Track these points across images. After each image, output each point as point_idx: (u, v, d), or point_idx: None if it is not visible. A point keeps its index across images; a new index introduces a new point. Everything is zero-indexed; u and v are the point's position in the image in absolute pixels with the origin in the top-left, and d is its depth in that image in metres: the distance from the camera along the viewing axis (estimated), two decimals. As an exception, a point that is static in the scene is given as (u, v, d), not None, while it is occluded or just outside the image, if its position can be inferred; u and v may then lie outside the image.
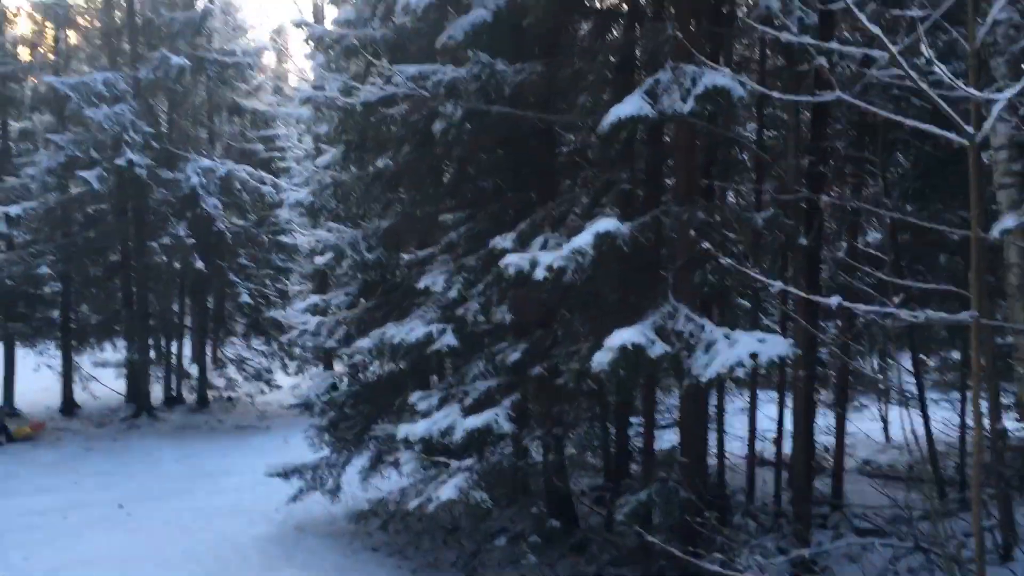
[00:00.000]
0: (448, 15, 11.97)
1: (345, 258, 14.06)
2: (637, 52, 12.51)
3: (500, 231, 11.04)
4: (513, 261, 9.32)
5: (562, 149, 13.58)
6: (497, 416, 9.98)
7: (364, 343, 12.19)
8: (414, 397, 11.22)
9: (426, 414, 10.66)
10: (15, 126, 26.85)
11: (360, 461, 14.33)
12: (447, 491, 9.72)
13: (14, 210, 22.89)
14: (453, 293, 11.48)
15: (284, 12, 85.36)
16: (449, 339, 11.16)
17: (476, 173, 13.87)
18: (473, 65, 10.72)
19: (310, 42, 13.84)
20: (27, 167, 24.77)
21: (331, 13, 25.26)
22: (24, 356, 26.83)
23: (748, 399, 13.68)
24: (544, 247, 9.64)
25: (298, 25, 14.18)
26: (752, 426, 13.28)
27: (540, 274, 9.11)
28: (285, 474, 14.53)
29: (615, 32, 13.33)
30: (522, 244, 10.19)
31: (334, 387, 15.24)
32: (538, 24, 11.42)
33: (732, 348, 8.08)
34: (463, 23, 10.81)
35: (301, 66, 44.18)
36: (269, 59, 36.79)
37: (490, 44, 11.05)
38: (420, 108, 11.70)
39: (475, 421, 10.01)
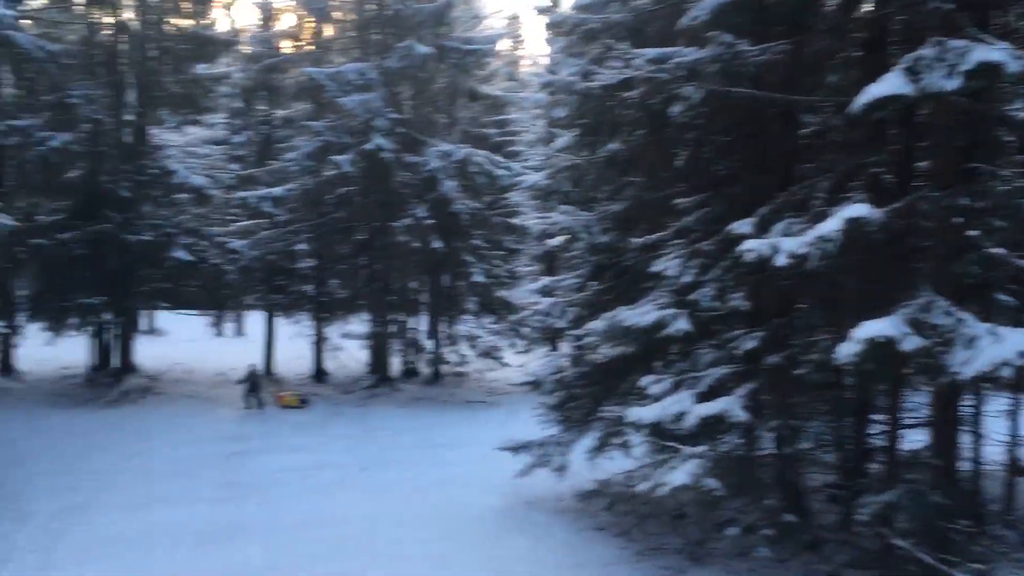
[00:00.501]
0: (690, -4, 11.77)
1: (578, 240, 14.27)
2: (890, 28, 11.75)
3: (736, 216, 10.78)
4: (753, 246, 9.09)
5: (802, 131, 13.01)
6: (732, 404, 9.80)
7: (596, 325, 12.33)
8: (645, 381, 11.22)
9: (657, 398, 10.64)
10: (279, 114, 29.27)
11: (587, 441, 14.50)
12: (679, 476, 9.67)
13: (277, 191, 25.05)
14: (687, 278, 11.35)
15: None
16: (682, 324, 11.06)
17: (711, 157, 13.59)
18: (715, 46, 10.50)
19: (551, 28, 14.08)
20: (288, 152, 26.99)
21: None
22: (281, 326, 29.35)
23: (1009, 402, 12.57)
24: (786, 233, 9.30)
25: (540, 11, 14.48)
26: (1014, 431, 12.21)
27: (781, 261, 8.84)
28: (514, 449, 15.00)
29: (865, 7, 12.57)
30: (762, 229, 9.89)
31: (561, 368, 15.56)
32: (784, 2, 11.01)
33: (998, 345, 7.47)
34: (707, 3, 10.60)
35: (535, 52, 45.03)
36: (504, 45, 37.71)
37: (733, 24, 10.78)
38: (658, 91, 11.60)
39: (709, 408, 9.88)
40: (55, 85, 24.31)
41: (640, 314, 11.51)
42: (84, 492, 15.43)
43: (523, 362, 27.70)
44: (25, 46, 22.42)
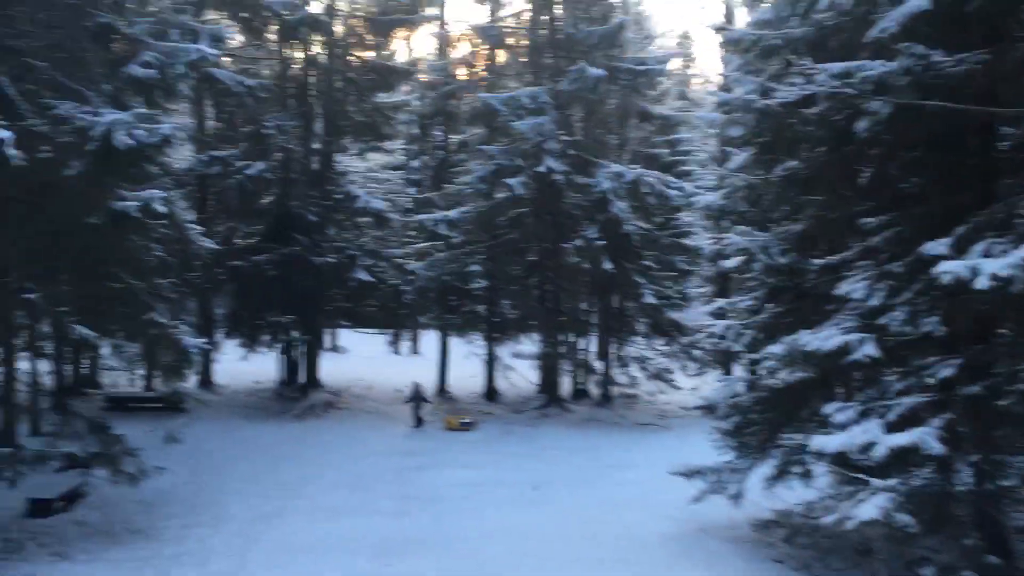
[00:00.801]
0: (876, 7, 11.30)
1: (755, 262, 13.89)
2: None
3: (927, 236, 10.22)
4: (950, 268, 8.60)
5: (1002, 145, 12.17)
6: (926, 435, 9.23)
7: (775, 349, 11.95)
8: (829, 408, 10.74)
9: (842, 427, 10.16)
10: (454, 139, 30.22)
11: (764, 468, 14.05)
12: (867, 510, 9.18)
13: (452, 214, 25.82)
14: (874, 301, 10.82)
15: (690, 17, 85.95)
16: (869, 349, 10.53)
17: (898, 173, 12.94)
18: (906, 58, 10.02)
19: (726, 45, 13.86)
20: (462, 175, 27.79)
21: (742, 16, 25.19)
22: (455, 345, 30.11)
23: None
24: (987, 254, 8.72)
25: (716, 30, 14.28)
26: None
27: (982, 284, 8.31)
28: (687, 474, 14.69)
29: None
30: (959, 250, 9.32)
31: (736, 392, 15.16)
32: (982, 9, 10.36)
33: None
34: (897, 14, 10.12)
35: (707, 70, 44.47)
36: (675, 65, 37.41)
37: (925, 34, 10.25)
38: (843, 106, 11.18)
39: (900, 439, 9.34)
40: (251, 117, 26.12)
41: (823, 338, 11.05)
42: (274, 501, 16.34)
43: (695, 385, 27.20)
44: (226, 82, 24.21)
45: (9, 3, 13.76)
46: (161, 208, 13.82)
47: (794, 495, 13.83)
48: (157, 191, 14.27)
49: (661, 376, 27.31)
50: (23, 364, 18.15)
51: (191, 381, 25.88)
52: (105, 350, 25.66)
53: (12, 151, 12.02)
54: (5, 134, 11.99)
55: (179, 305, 20.68)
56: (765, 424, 13.96)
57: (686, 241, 27.98)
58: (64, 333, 15.80)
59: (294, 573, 12.29)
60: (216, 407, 26.00)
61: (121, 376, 28.12)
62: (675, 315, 27.93)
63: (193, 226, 16.93)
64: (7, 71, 13.49)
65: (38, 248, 14.43)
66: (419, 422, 24.32)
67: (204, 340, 16.07)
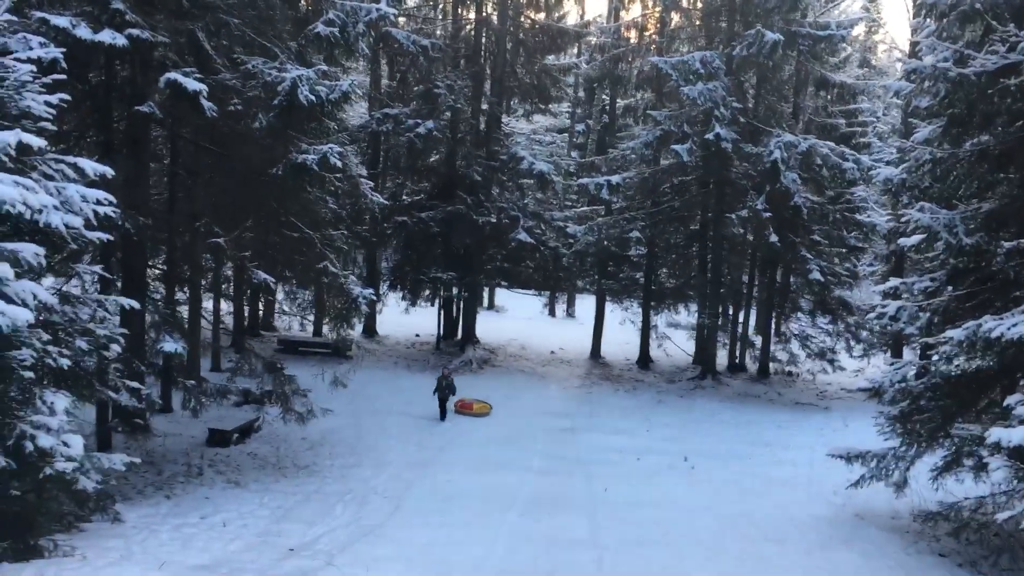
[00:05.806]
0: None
1: (937, 241, 13.08)
2: None
3: None
4: None
5: None
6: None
7: (954, 334, 11.27)
8: (1012, 400, 10.08)
9: (1025, 420, 9.53)
10: (620, 103, 29.88)
11: (932, 458, 13.39)
12: (1049, 510, 8.61)
13: (615, 179, 25.61)
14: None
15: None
16: (1061, 340, 9.79)
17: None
18: None
19: (920, 10, 13.02)
20: (627, 140, 27.46)
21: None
22: (611, 311, 30.04)
23: None
24: None
25: (910, -8, 13.40)
26: None
27: None
28: (847, 458, 14.20)
29: None
30: None
31: (906, 376, 14.47)
32: None
33: None
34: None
35: (893, 36, 41.96)
36: (858, 31, 35.45)
37: None
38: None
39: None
40: (423, 76, 26.66)
41: (1009, 325, 10.35)
42: (430, 450, 16.95)
43: (860, 367, 26.13)
44: (401, 41, 24.80)
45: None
46: (337, 162, 14.32)
47: (964, 488, 13.13)
48: (334, 145, 14.82)
49: (824, 355, 26.33)
50: (206, 304, 19.48)
51: (357, 330, 27.03)
52: (280, 295, 27.30)
53: (207, 103, 12.84)
54: (201, 86, 12.81)
55: (349, 256, 21.49)
56: (937, 412, 13.25)
57: (859, 216, 26.61)
58: (245, 277, 16.80)
59: (447, 520, 12.70)
60: (379, 356, 27.06)
61: (294, 321, 29.81)
62: (842, 293, 26.78)
63: (365, 180, 17.45)
64: (203, 26, 14.31)
65: (225, 195, 15.36)
66: (442, 414, 20.33)
67: (370, 291, 16.65)
